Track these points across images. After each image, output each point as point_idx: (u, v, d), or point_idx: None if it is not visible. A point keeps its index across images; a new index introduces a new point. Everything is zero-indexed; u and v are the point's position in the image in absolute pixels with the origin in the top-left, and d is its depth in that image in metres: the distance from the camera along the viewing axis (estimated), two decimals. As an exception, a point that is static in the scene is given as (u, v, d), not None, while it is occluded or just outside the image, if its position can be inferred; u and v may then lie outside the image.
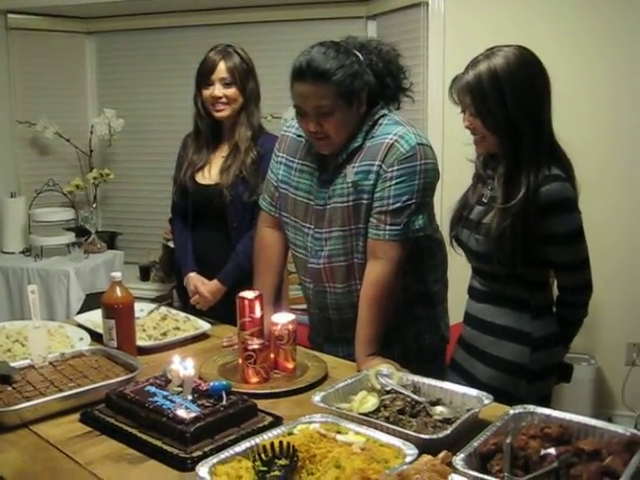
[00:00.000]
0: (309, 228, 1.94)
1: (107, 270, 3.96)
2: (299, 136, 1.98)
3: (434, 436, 1.32)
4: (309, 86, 1.76)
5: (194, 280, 2.41)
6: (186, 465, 1.31)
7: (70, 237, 4.09)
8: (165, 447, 1.37)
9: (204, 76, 2.41)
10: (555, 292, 1.88)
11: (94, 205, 4.51)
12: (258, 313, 1.80)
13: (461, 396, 1.51)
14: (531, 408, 1.38)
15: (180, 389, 1.50)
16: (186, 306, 2.49)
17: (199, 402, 1.45)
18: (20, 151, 4.51)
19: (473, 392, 1.50)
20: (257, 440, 1.30)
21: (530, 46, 1.78)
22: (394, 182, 1.79)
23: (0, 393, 1.57)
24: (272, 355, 1.78)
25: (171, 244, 3.89)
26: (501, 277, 1.79)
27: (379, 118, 1.87)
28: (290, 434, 1.33)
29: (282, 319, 1.79)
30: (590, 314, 1.87)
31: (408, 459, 1.22)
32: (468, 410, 1.44)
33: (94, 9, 4.38)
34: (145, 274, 4.43)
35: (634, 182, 3.32)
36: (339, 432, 1.34)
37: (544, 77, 1.74)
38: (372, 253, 1.84)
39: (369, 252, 1.85)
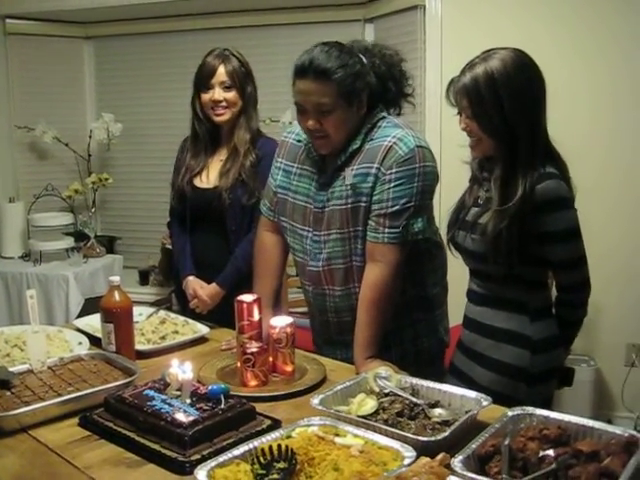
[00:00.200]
0: (307, 231, 1.94)
1: (106, 274, 3.95)
2: (299, 141, 1.99)
3: (432, 438, 1.32)
4: (310, 83, 1.76)
5: (193, 284, 2.41)
6: (185, 469, 1.31)
7: (69, 242, 4.09)
8: (164, 451, 1.37)
9: (203, 80, 2.41)
10: (554, 293, 1.88)
11: (93, 210, 4.52)
12: (256, 316, 1.80)
13: (460, 398, 1.51)
14: (529, 410, 1.38)
15: (179, 393, 1.50)
16: (185, 310, 2.49)
17: (197, 406, 1.45)
18: (19, 156, 4.51)
19: (472, 394, 1.50)
20: (256, 443, 1.30)
21: (528, 48, 1.78)
22: (393, 185, 1.79)
23: (-1, 398, 1.57)
24: (271, 358, 1.78)
25: (169, 247, 3.90)
26: (498, 278, 1.79)
27: (378, 120, 1.87)
28: (289, 437, 1.33)
29: (280, 322, 1.79)
30: (589, 315, 1.87)
31: (406, 461, 1.22)
32: (467, 412, 1.44)
33: (92, 14, 4.39)
34: (144, 278, 4.43)
35: (633, 184, 3.32)
36: (337, 435, 1.34)
37: (540, 80, 1.74)
38: (371, 256, 1.84)
39: (368, 255, 1.85)
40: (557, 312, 1.85)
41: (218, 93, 2.39)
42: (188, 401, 1.47)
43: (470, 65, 1.74)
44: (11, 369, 1.71)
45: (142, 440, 1.41)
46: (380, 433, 1.34)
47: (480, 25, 3.44)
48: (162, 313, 2.28)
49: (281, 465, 1.21)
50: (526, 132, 1.71)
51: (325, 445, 1.28)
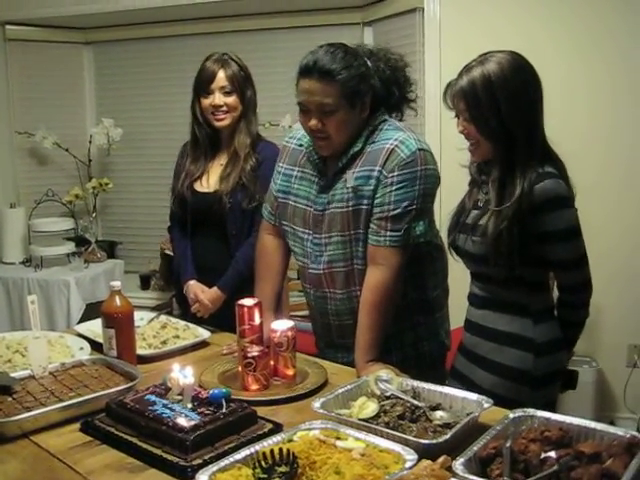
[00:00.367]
0: (308, 234, 1.94)
1: (107, 279, 3.95)
2: (300, 146, 1.99)
3: (433, 441, 1.32)
4: (314, 83, 1.77)
5: (194, 288, 2.41)
6: (186, 473, 1.30)
7: (70, 247, 4.10)
8: (165, 455, 1.37)
9: (203, 85, 2.41)
10: (555, 295, 1.87)
11: (93, 214, 4.52)
12: (257, 320, 1.80)
13: (461, 400, 1.51)
14: (531, 412, 1.38)
15: (180, 397, 1.50)
16: (186, 314, 2.49)
17: (199, 410, 1.45)
18: (19, 161, 4.52)
19: (473, 396, 1.50)
20: (257, 447, 1.30)
21: (527, 49, 1.79)
22: (394, 188, 1.80)
23: (0, 404, 1.57)
24: (272, 362, 1.78)
25: (168, 252, 3.91)
26: (500, 280, 1.79)
27: (380, 123, 1.88)
28: (290, 441, 1.33)
29: (281, 326, 1.79)
30: (590, 316, 1.86)
31: (408, 464, 1.22)
32: (468, 414, 1.44)
33: (91, 19, 4.40)
34: (145, 283, 4.43)
35: (633, 183, 3.32)
36: (339, 438, 1.34)
37: (537, 82, 1.75)
38: (372, 259, 1.84)
39: (369, 258, 1.85)
40: (559, 313, 1.85)
41: (218, 98, 2.39)
42: (189, 406, 1.47)
43: (467, 68, 1.74)
44: (12, 375, 1.71)
45: (144, 445, 1.41)
46: (381, 436, 1.34)
47: (479, 27, 3.44)
48: (163, 318, 2.28)
49: (283, 469, 1.21)
50: (523, 134, 1.71)
51: (326, 448, 1.28)
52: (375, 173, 1.82)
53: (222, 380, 1.78)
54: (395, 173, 1.79)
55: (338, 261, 1.90)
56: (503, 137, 1.71)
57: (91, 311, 3.60)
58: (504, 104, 1.69)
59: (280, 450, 1.24)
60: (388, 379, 1.58)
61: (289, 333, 1.78)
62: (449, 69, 1.96)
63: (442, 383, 1.66)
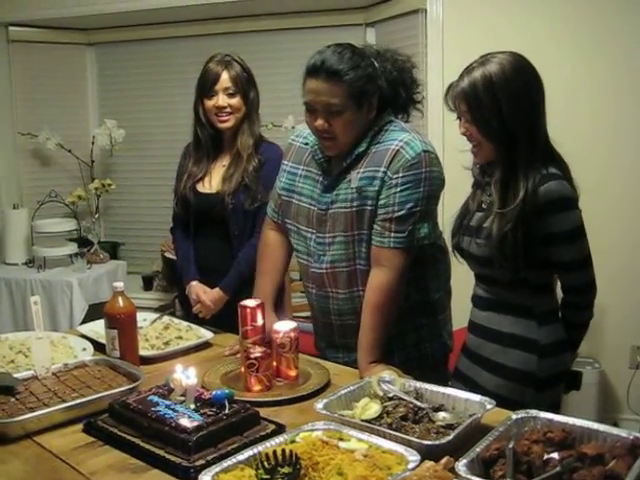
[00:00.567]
0: (311, 233, 1.94)
1: (110, 280, 3.96)
2: (305, 144, 2.00)
3: (436, 442, 1.32)
4: (321, 83, 1.77)
5: (196, 289, 2.42)
6: (189, 474, 1.30)
7: (73, 248, 4.10)
8: (168, 456, 1.37)
9: (207, 87, 2.41)
10: (560, 296, 1.87)
11: (96, 215, 4.53)
12: (260, 321, 1.80)
13: (464, 401, 1.51)
14: (534, 413, 1.37)
15: (183, 398, 1.50)
16: (188, 315, 2.49)
17: (202, 411, 1.45)
18: (22, 162, 4.53)
19: (475, 397, 1.50)
20: (260, 448, 1.30)
21: (530, 50, 1.78)
22: (399, 189, 1.79)
23: (3, 404, 1.57)
24: (274, 363, 1.78)
25: (168, 254, 3.92)
26: (504, 282, 1.78)
27: (385, 124, 1.88)
28: (293, 442, 1.33)
29: (284, 327, 1.79)
30: (593, 317, 1.87)
31: (410, 465, 1.22)
32: (471, 415, 1.44)
33: (94, 21, 4.41)
34: (148, 284, 4.44)
35: (636, 184, 3.31)
36: (342, 439, 1.34)
37: (538, 83, 1.74)
38: (376, 260, 1.84)
39: (373, 259, 1.85)
40: (563, 314, 1.84)
41: (222, 99, 2.39)
42: (192, 406, 1.47)
43: (468, 70, 1.74)
44: (15, 375, 1.71)
45: (146, 446, 1.41)
46: (384, 437, 1.34)
47: (481, 29, 3.44)
48: (166, 318, 2.28)
49: (285, 470, 1.21)
50: (525, 135, 1.70)
51: (329, 449, 1.28)
52: (380, 174, 1.82)
53: (225, 381, 1.78)
54: (400, 174, 1.79)
55: (341, 261, 1.90)
56: (505, 138, 1.71)
57: (94, 312, 3.60)
58: (505, 105, 1.69)
59: (283, 451, 1.24)
60: (391, 380, 1.58)
61: (292, 334, 1.78)
62: (452, 70, 1.95)
63: (445, 384, 1.66)
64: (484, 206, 1.83)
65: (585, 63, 3.33)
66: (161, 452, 1.38)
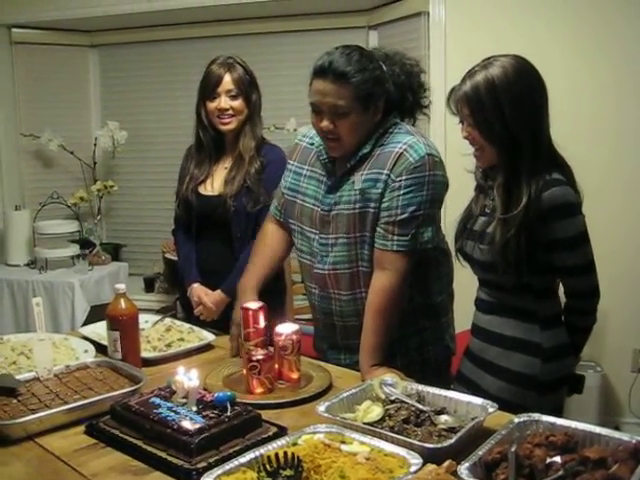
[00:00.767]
0: (315, 233, 1.94)
1: (112, 282, 3.97)
2: (311, 144, 2.00)
3: (438, 445, 1.32)
4: (328, 84, 1.77)
5: (198, 291, 2.42)
6: (191, 476, 1.30)
7: (74, 249, 4.10)
8: (170, 458, 1.37)
9: (209, 89, 2.41)
10: (563, 300, 1.87)
11: (98, 217, 4.53)
12: (262, 324, 1.80)
13: (466, 405, 1.50)
14: (536, 416, 1.37)
15: (185, 400, 1.50)
16: (190, 317, 2.49)
17: (204, 413, 1.45)
18: (24, 164, 4.54)
19: (477, 401, 1.50)
20: (262, 451, 1.30)
21: (532, 53, 1.78)
22: (402, 192, 1.79)
23: (5, 406, 1.57)
24: (276, 365, 1.78)
25: (169, 256, 3.92)
26: (507, 287, 1.78)
27: (390, 126, 1.88)
28: (295, 444, 1.33)
29: (286, 329, 1.79)
30: (596, 322, 1.86)
31: (413, 469, 1.22)
32: (473, 419, 1.44)
33: (97, 22, 4.42)
34: (149, 285, 4.44)
35: (637, 187, 3.31)
36: (344, 442, 1.34)
37: (541, 86, 1.74)
38: (378, 263, 1.84)
39: (375, 262, 1.85)
40: (567, 319, 1.84)
41: (224, 101, 2.40)
42: (194, 409, 1.47)
43: (470, 73, 1.73)
44: (17, 377, 1.71)
45: (148, 448, 1.41)
46: (386, 440, 1.34)
47: (484, 32, 3.44)
48: (168, 320, 2.28)
49: (287, 473, 1.21)
50: (528, 139, 1.70)
51: (331, 452, 1.28)
52: (383, 176, 1.82)
53: (227, 383, 1.77)
54: (403, 177, 1.79)
55: (343, 262, 1.90)
56: (507, 142, 1.70)
57: (95, 313, 3.60)
58: (508, 108, 1.68)
59: (285, 454, 1.24)
60: (393, 383, 1.58)
61: (294, 337, 1.78)
62: (454, 73, 1.95)
63: (447, 387, 1.66)
64: (487, 210, 1.83)
65: (587, 65, 3.33)
66: (163, 454, 1.38)
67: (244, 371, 1.75)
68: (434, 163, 1.81)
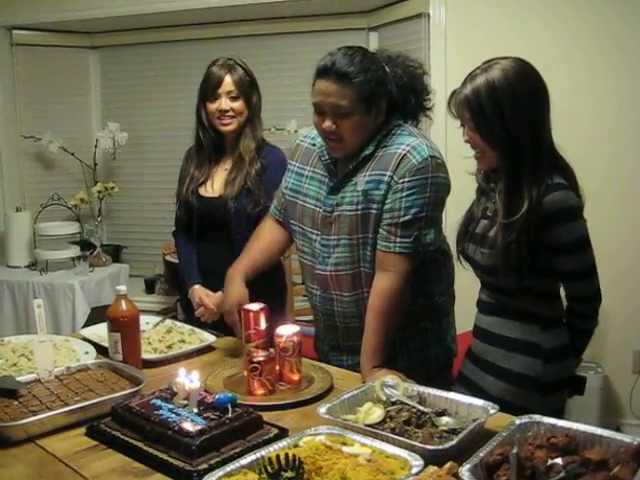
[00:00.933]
0: (316, 234, 1.94)
1: (112, 283, 3.97)
2: (313, 145, 2.00)
3: (440, 447, 1.31)
4: (331, 84, 1.77)
5: (198, 292, 2.41)
6: (192, 478, 1.30)
7: (75, 251, 4.10)
8: (171, 460, 1.37)
9: (210, 90, 2.41)
10: (564, 302, 1.87)
11: (99, 219, 4.53)
12: (263, 325, 1.80)
13: (467, 406, 1.50)
14: (537, 418, 1.37)
15: (186, 402, 1.50)
16: (190, 319, 2.48)
17: (205, 415, 1.45)
18: (25, 165, 4.55)
19: (479, 402, 1.50)
20: (263, 452, 1.30)
21: (533, 55, 1.78)
22: (405, 194, 1.79)
23: (6, 407, 1.57)
24: (277, 367, 1.78)
25: (169, 258, 3.92)
26: (509, 289, 1.78)
27: (393, 128, 1.88)
28: (296, 446, 1.33)
29: (287, 331, 1.79)
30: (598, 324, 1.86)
31: (414, 470, 1.22)
32: (474, 420, 1.44)
33: (98, 24, 4.42)
34: (150, 287, 4.44)
35: (638, 189, 3.31)
36: (345, 444, 1.33)
37: (543, 89, 1.73)
38: (381, 265, 1.83)
39: (378, 264, 1.84)
40: (568, 322, 1.84)
41: (225, 103, 2.40)
42: (195, 410, 1.47)
43: (471, 76, 1.72)
44: (18, 378, 1.71)
45: (149, 449, 1.41)
46: (387, 442, 1.34)
47: (485, 33, 3.44)
48: (168, 322, 2.28)
49: (288, 474, 1.21)
50: (529, 143, 1.69)
51: (332, 454, 1.28)
52: (386, 178, 1.82)
53: (228, 385, 1.77)
54: (406, 179, 1.79)
55: (345, 264, 1.90)
56: (508, 146, 1.70)
57: (96, 315, 3.60)
58: (509, 112, 1.67)
59: (286, 455, 1.24)
60: (394, 384, 1.58)
61: (295, 338, 1.78)
62: (454, 75, 1.95)
63: (448, 389, 1.65)
64: (489, 213, 1.82)
65: (588, 68, 3.33)
66: (164, 456, 1.38)
67: (245, 373, 1.75)
68: (437, 165, 1.81)
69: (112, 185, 4.46)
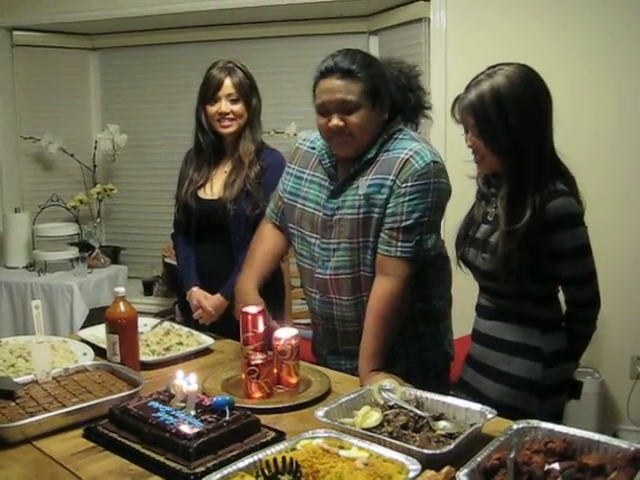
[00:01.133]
0: (316, 238, 1.94)
1: (111, 285, 3.97)
2: (312, 149, 2.00)
3: (437, 451, 1.31)
4: (336, 81, 1.78)
5: (197, 294, 2.41)
6: (189, 481, 1.30)
7: (74, 252, 4.10)
8: (168, 463, 1.36)
9: (210, 93, 2.42)
10: (564, 306, 1.87)
11: (98, 220, 4.53)
12: (261, 328, 1.80)
13: (464, 411, 1.50)
14: (535, 423, 1.37)
15: (183, 404, 1.50)
16: (189, 321, 2.49)
17: (202, 417, 1.45)
18: (24, 166, 4.55)
19: (476, 407, 1.50)
20: (260, 455, 1.30)
21: (534, 58, 1.78)
22: (407, 198, 1.80)
23: (3, 409, 1.57)
24: (275, 370, 1.78)
25: (168, 260, 3.92)
26: (509, 294, 1.78)
27: (395, 132, 1.88)
28: (293, 449, 1.33)
29: (285, 334, 1.79)
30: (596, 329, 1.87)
31: (411, 474, 1.22)
32: (471, 425, 1.43)
33: (98, 26, 4.43)
34: (148, 289, 4.43)
35: (637, 194, 3.31)
36: (342, 447, 1.33)
37: (547, 95, 1.73)
38: (381, 269, 1.84)
39: (378, 268, 1.85)
40: (567, 326, 1.84)
41: (225, 105, 2.40)
42: (193, 413, 1.47)
43: (475, 82, 1.72)
44: (16, 380, 1.71)
45: (147, 452, 1.41)
46: (385, 446, 1.34)
47: (485, 38, 3.44)
48: (167, 324, 2.28)
49: (286, 477, 1.21)
50: (533, 149, 1.69)
51: (330, 458, 1.28)
52: (388, 182, 1.82)
53: (225, 387, 1.77)
54: (409, 183, 1.79)
55: (345, 267, 1.90)
56: (512, 152, 1.70)
57: (94, 316, 3.60)
58: (513, 118, 1.67)
59: (283, 458, 1.24)
60: (391, 388, 1.58)
61: (293, 341, 1.78)
62: (455, 79, 1.96)
63: (446, 393, 1.65)
64: (489, 218, 1.82)
65: (589, 71, 3.33)
66: (161, 458, 1.38)
67: (243, 375, 1.75)
68: (439, 170, 1.82)
69: (111, 187, 4.46)
